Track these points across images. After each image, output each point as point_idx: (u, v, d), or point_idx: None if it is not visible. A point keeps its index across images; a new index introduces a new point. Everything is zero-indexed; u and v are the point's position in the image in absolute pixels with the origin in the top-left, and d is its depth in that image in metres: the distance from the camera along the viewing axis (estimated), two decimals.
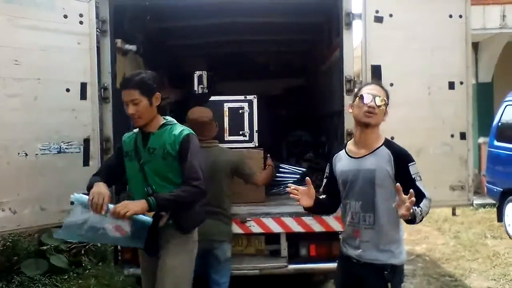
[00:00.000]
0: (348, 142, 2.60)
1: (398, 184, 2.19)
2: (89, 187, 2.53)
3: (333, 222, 3.58)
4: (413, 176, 2.35)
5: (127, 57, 4.05)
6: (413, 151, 2.60)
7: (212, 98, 4.07)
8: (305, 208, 2.51)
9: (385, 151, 2.40)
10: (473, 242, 6.47)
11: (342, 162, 2.53)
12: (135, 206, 2.46)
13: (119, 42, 3.89)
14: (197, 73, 4.56)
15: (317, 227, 3.65)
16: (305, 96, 6.43)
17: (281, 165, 4.63)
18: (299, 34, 5.65)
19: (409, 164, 2.36)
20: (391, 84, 3.46)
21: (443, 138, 3.74)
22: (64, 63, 3.38)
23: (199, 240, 2.81)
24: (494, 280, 5.03)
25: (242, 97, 3.97)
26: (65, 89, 3.38)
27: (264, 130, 4.15)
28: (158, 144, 2.61)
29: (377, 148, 2.42)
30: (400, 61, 3.65)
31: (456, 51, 3.73)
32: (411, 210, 2.15)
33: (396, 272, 2.40)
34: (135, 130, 2.72)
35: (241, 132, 3.94)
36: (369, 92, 2.40)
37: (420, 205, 2.26)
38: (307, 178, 2.49)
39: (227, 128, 3.93)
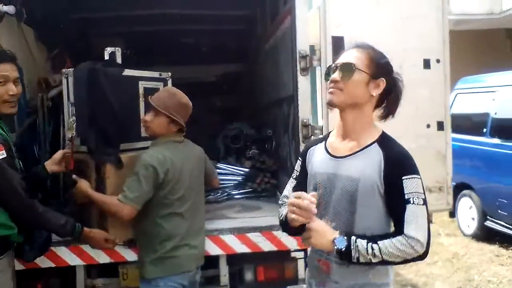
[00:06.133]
0: (331, 133, 1.80)
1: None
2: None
3: (286, 239, 2.83)
4: (406, 196, 1.54)
5: (1, 22, 2.97)
6: None
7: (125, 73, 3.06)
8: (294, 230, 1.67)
9: (376, 152, 1.62)
10: None
11: (318, 159, 1.74)
12: None
13: None
14: (109, 49, 3.51)
15: (266, 246, 2.87)
16: (245, 83, 5.61)
17: (218, 165, 3.77)
18: (235, 9, 4.73)
19: (403, 177, 1.56)
20: None
21: (418, 129, 3.09)
22: None
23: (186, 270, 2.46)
24: (460, 287, 4.51)
25: (156, 74, 3.01)
26: None
27: (195, 123, 3.24)
28: None
29: (367, 146, 1.63)
30: (367, 31, 2.93)
31: (431, 21, 3.08)
32: (338, 247, 1.52)
33: None
34: None
35: None
36: (337, 62, 1.67)
37: (381, 242, 1.51)
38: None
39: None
